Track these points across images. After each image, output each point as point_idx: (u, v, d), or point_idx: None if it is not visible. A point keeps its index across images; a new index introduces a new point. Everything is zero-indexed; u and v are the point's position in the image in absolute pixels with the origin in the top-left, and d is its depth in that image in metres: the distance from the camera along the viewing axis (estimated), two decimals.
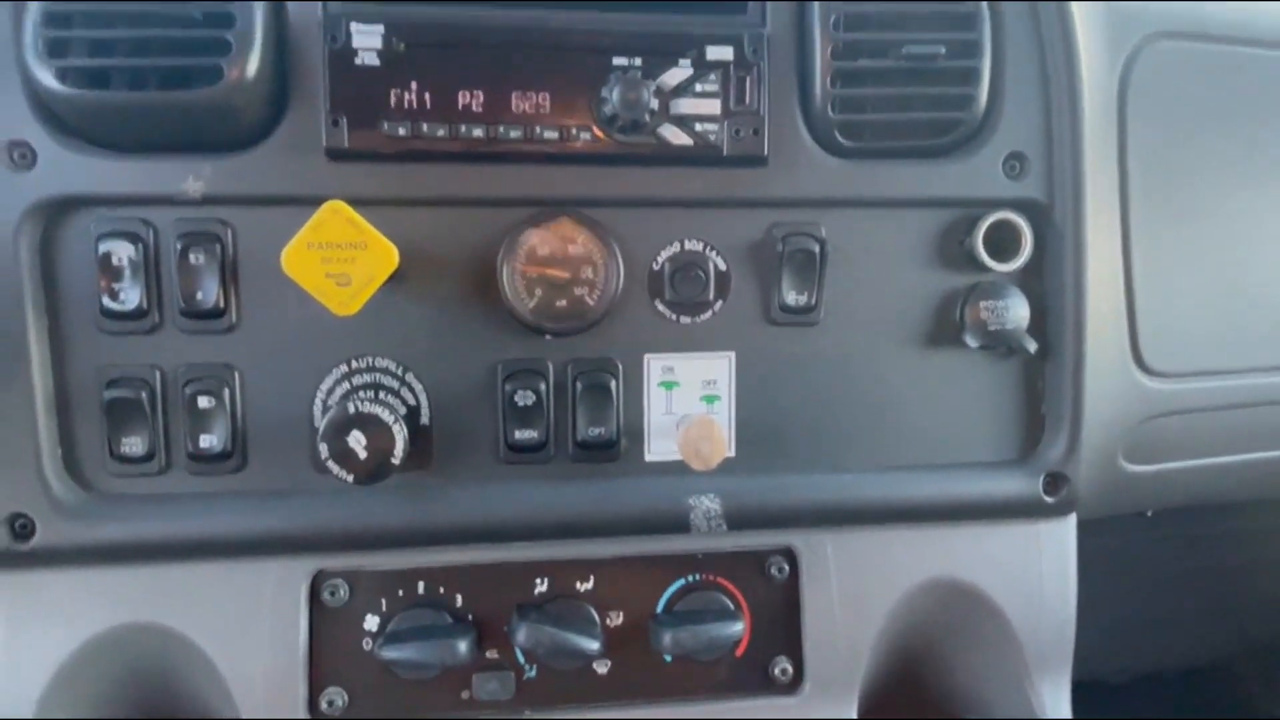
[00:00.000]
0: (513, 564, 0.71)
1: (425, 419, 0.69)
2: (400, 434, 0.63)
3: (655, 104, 0.65)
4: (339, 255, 0.59)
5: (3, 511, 0.64)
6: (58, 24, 0.60)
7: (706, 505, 0.71)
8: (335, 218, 0.59)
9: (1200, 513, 1.28)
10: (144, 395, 0.65)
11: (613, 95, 0.64)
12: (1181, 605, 1.45)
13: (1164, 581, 1.43)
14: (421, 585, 0.70)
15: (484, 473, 0.70)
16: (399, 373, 0.68)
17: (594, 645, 0.69)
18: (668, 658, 0.72)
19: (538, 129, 0.65)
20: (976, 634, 0.79)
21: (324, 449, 0.62)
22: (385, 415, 0.63)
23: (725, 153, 0.67)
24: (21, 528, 0.64)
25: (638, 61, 0.65)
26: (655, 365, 0.71)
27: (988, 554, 0.77)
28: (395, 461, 0.63)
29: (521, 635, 0.68)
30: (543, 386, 0.69)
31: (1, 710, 0.65)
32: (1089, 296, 0.73)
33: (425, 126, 0.64)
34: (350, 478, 0.62)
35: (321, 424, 0.63)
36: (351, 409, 0.62)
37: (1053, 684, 0.79)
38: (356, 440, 0.62)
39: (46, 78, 0.60)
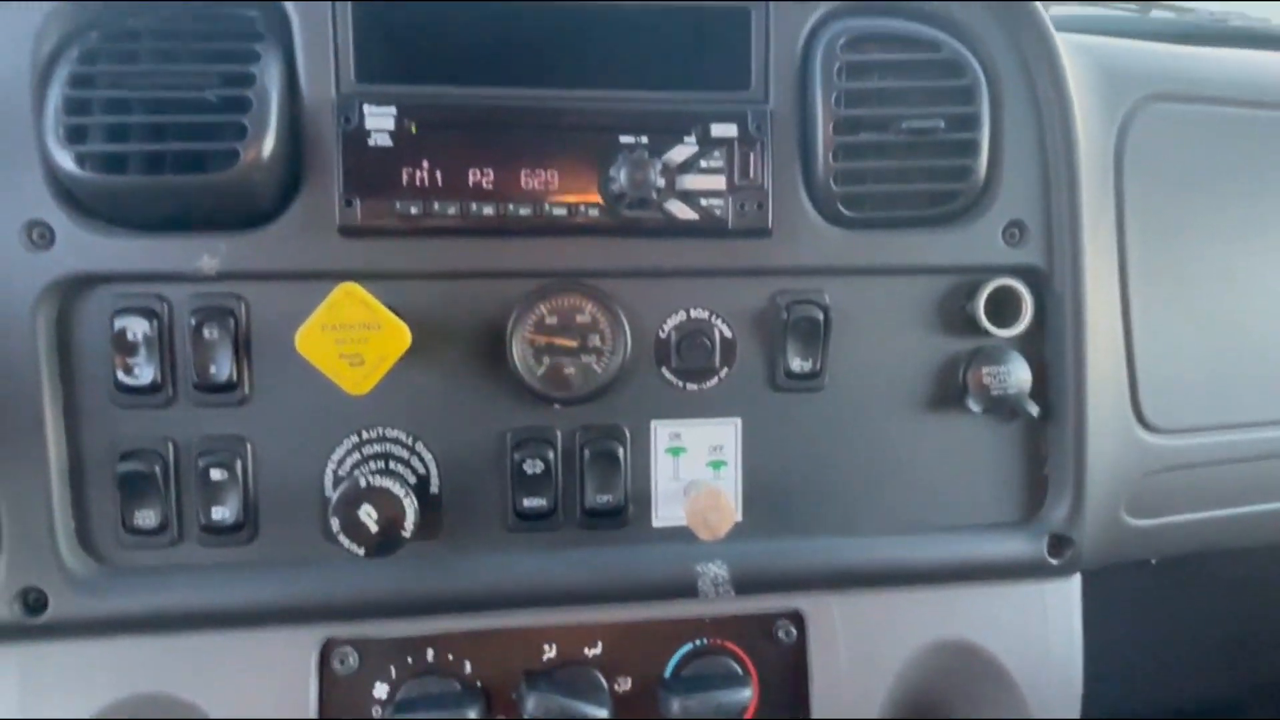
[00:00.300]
0: (521, 630, 0.72)
1: (435, 488, 0.69)
2: (411, 506, 0.63)
3: (661, 181, 0.66)
4: (352, 336, 0.60)
5: (16, 585, 0.64)
6: (77, 110, 0.61)
7: (714, 571, 0.71)
8: (349, 299, 0.60)
9: (1207, 556, 1.28)
10: (157, 468, 0.65)
11: (620, 175, 0.65)
12: (1191, 646, 1.45)
13: (1172, 622, 1.43)
14: (431, 653, 0.71)
15: (492, 541, 0.70)
16: (409, 442, 0.69)
17: (602, 713, 0.69)
18: None
19: (546, 206, 0.66)
20: (983, 694, 0.80)
21: (335, 522, 0.63)
22: (396, 488, 0.63)
23: (730, 226, 0.68)
24: (34, 601, 0.65)
25: (644, 139, 0.67)
26: (662, 432, 0.72)
27: (993, 615, 0.77)
28: (406, 534, 0.63)
29: (531, 704, 0.68)
30: (551, 454, 0.69)
31: None
32: (1089, 359, 0.74)
33: (437, 205, 0.65)
34: (361, 551, 0.63)
35: (333, 497, 0.63)
36: (363, 483, 0.63)
37: None
38: (368, 514, 0.63)
39: (66, 161, 0.61)
